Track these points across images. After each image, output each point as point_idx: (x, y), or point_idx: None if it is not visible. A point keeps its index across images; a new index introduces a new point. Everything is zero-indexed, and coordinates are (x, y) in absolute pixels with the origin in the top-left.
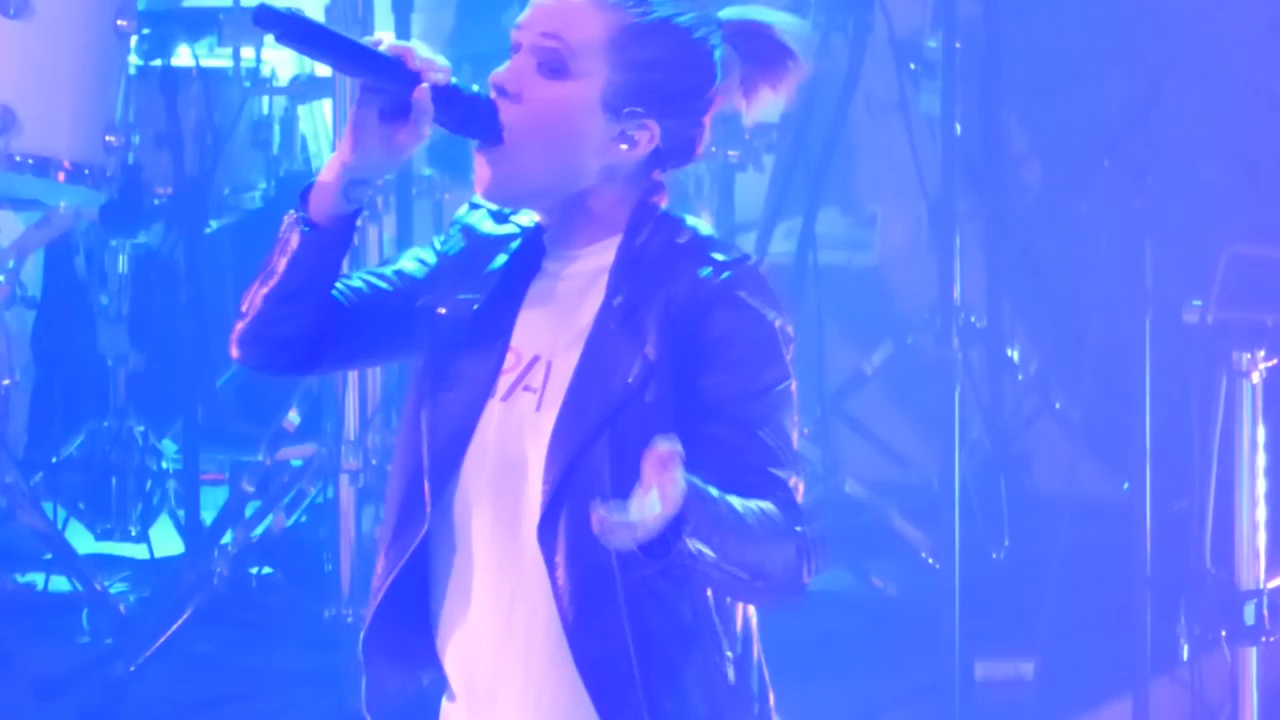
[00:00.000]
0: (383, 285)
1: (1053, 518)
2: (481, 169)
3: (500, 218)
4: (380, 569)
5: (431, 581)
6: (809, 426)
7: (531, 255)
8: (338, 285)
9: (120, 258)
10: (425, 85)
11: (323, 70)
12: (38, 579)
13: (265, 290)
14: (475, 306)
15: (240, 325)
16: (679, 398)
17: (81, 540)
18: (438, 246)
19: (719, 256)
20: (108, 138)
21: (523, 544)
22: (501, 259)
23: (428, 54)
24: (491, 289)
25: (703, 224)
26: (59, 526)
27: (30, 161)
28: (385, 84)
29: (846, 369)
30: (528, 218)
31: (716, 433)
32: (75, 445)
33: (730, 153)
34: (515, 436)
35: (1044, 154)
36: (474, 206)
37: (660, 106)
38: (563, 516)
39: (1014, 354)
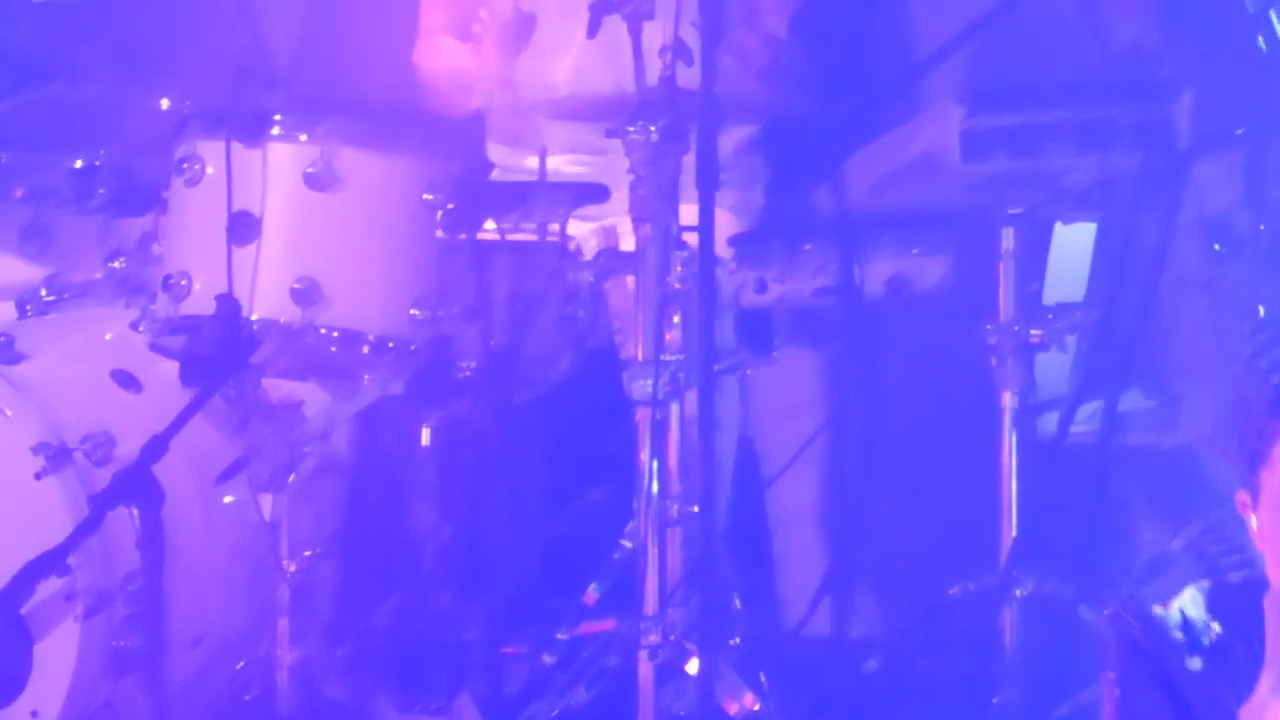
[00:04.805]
0: None
1: None
2: None
3: None
4: None
5: None
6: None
7: None
8: None
9: (424, 431)
10: None
11: (627, 245)
12: None
13: None
14: None
15: None
16: None
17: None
18: None
19: None
20: (413, 311)
21: None
22: None
23: None
24: None
25: None
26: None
27: (336, 334)
28: None
29: (1152, 551)
30: None
31: None
32: (383, 616)
33: (1033, 332)
34: None
35: None
36: None
37: None
38: None
39: None
